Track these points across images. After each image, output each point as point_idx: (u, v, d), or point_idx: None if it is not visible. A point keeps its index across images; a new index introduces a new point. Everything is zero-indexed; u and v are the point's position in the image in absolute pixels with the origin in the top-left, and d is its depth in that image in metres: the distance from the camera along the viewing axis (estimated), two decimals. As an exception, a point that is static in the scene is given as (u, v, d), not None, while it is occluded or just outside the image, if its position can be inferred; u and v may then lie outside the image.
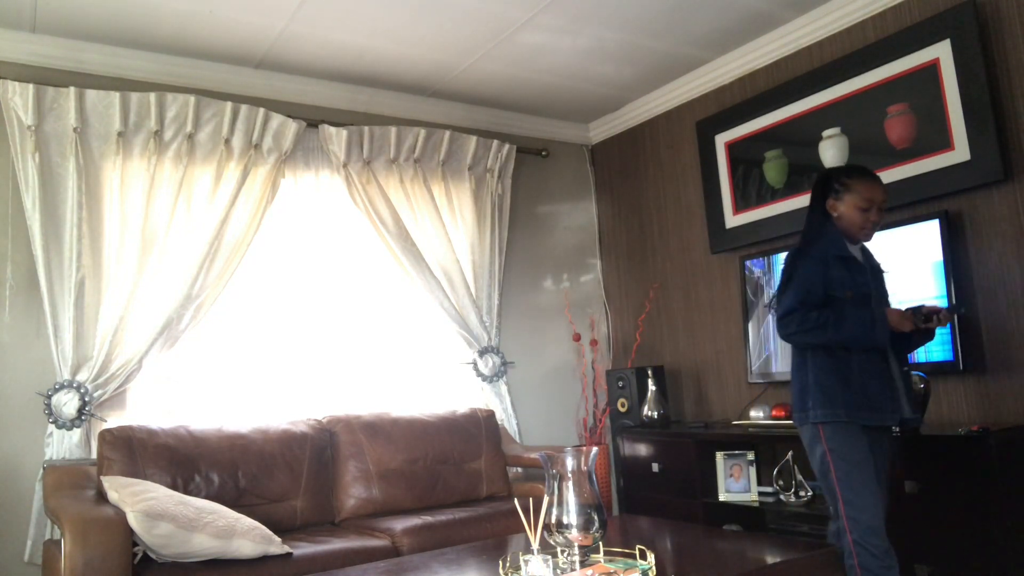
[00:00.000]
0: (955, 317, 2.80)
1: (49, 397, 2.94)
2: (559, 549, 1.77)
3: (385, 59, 3.56)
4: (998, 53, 2.84)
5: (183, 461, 2.87)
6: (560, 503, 1.74)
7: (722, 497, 3.30)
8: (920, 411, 2.57)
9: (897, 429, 2.53)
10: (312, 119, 3.66)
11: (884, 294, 2.47)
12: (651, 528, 2.77)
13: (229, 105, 3.34)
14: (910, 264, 2.97)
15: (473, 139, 4.03)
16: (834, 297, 2.32)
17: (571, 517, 1.73)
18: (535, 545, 1.72)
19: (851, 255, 2.39)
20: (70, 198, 3.03)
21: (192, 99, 3.27)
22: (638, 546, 1.83)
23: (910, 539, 2.53)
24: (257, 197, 3.41)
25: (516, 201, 4.30)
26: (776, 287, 2.61)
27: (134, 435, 2.85)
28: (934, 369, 2.86)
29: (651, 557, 1.79)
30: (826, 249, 2.36)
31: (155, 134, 3.20)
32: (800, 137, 3.44)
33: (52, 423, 2.95)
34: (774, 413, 3.19)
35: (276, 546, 2.57)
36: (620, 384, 4.01)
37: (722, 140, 3.80)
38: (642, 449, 3.65)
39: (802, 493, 3.07)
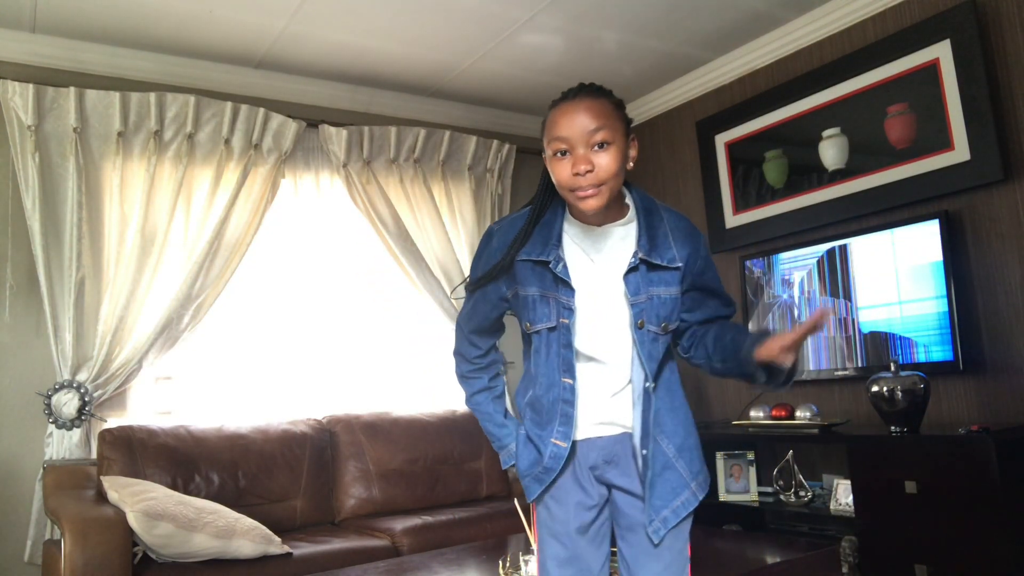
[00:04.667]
0: None
1: (49, 397, 2.94)
2: (559, 549, 1.76)
3: (385, 59, 3.56)
4: (998, 53, 2.84)
5: (183, 461, 2.88)
6: (560, 503, 1.73)
7: (722, 497, 3.30)
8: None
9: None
10: (312, 119, 3.66)
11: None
12: (651, 528, 2.76)
13: (229, 105, 3.34)
14: (910, 264, 2.97)
15: (473, 139, 4.03)
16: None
17: (571, 517, 1.72)
18: (535, 545, 1.71)
19: (545, 256, 1.43)
20: (70, 198, 3.03)
21: (192, 99, 3.27)
22: (638, 546, 1.82)
23: (910, 539, 2.53)
24: (257, 197, 3.41)
25: (516, 201, 4.29)
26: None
27: (134, 435, 2.86)
28: (934, 369, 2.85)
29: (651, 557, 1.78)
30: (511, 242, 1.47)
31: (155, 134, 3.20)
32: (800, 137, 3.44)
33: (52, 423, 2.94)
34: (774, 413, 3.19)
35: (276, 546, 2.58)
36: (620, 384, 4.01)
37: (722, 140, 3.80)
38: (642, 449, 3.64)
39: (802, 493, 3.07)
